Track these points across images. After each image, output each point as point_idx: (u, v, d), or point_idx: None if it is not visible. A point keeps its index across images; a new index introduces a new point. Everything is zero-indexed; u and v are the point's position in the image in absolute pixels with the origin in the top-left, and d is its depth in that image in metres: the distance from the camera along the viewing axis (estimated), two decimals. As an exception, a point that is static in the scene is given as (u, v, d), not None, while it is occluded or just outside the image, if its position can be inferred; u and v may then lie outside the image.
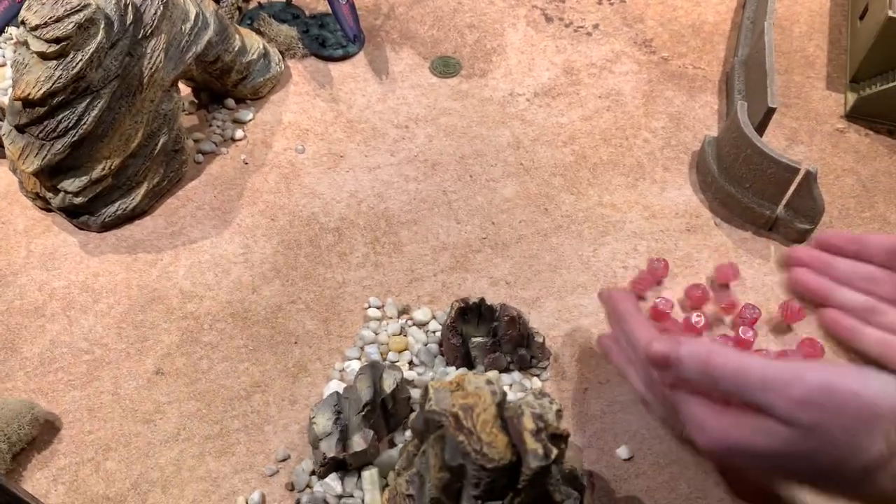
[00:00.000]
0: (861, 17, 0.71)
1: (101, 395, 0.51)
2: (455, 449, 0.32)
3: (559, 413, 0.35)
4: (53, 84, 0.51)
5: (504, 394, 0.34)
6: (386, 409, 0.47)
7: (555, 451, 0.32)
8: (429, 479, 0.35)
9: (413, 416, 0.39)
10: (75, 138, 0.53)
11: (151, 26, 0.55)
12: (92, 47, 0.52)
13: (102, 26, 0.52)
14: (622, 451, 0.49)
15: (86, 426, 0.50)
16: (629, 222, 0.61)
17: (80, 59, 0.51)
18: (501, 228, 0.60)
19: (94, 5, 0.52)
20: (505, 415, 0.33)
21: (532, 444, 0.31)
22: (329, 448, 0.45)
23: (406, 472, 0.38)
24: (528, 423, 0.32)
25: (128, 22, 0.54)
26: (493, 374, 0.50)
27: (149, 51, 0.56)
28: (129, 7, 0.54)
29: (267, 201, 0.61)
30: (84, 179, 0.56)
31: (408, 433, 0.48)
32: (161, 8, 0.56)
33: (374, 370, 0.47)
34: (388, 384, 0.46)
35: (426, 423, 0.35)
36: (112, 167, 0.57)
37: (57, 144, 0.54)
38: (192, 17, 0.59)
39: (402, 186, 0.63)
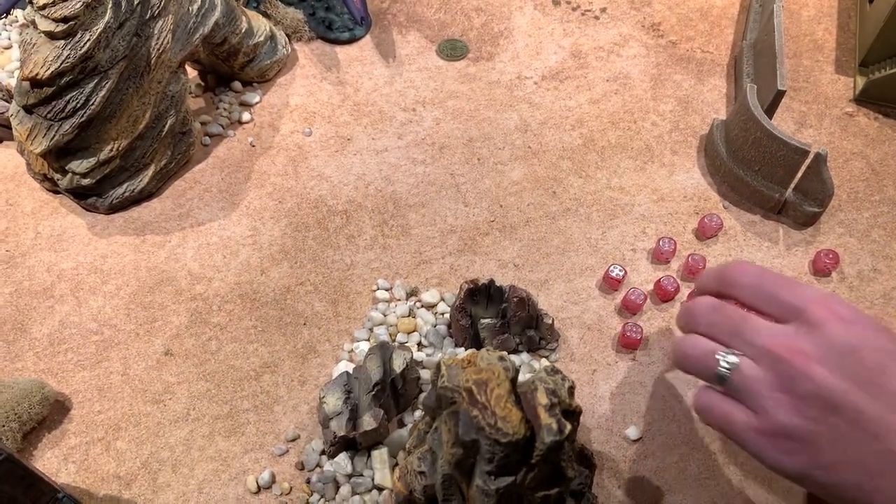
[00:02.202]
0: (871, 1, 0.71)
1: (110, 376, 0.51)
2: (469, 424, 0.32)
3: (571, 389, 0.35)
4: (61, 64, 0.51)
5: (517, 369, 0.34)
6: (395, 390, 0.47)
7: (568, 427, 0.32)
8: (441, 456, 0.35)
9: (424, 394, 0.39)
10: (83, 119, 0.53)
11: (159, 7, 0.55)
12: (100, 27, 0.52)
13: (110, 6, 0.52)
14: (631, 432, 0.49)
15: (96, 406, 0.50)
16: (637, 205, 0.61)
17: (88, 39, 0.51)
18: (509, 211, 0.60)
19: (101, -16, 0.51)
20: (518, 390, 0.33)
21: (546, 419, 0.31)
22: (339, 427, 0.45)
23: (417, 450, 0.38)
24: (542, 399, 0.32)
25: (135, 2, 0.54)
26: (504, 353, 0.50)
27: (156, 31, 0.55)
28: (137, -13, 0.54)
29: (274, 184, 0.61)
30: (92, 161, 0.56)
31: (417, 413, 0.48)
32: (168, -12, 0.55)
33: (383, 350, 0.47)
34: (398, 364, 0.46)
35: (439, 400, 0.35)
36: (120, 148, 0.56)
37: (65, 125, 0.53)
38: (200, -3, 0.59)
39: (409, 169, 0.63)
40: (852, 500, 0.35)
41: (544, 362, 0.52)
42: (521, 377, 0.49)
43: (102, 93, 0.53)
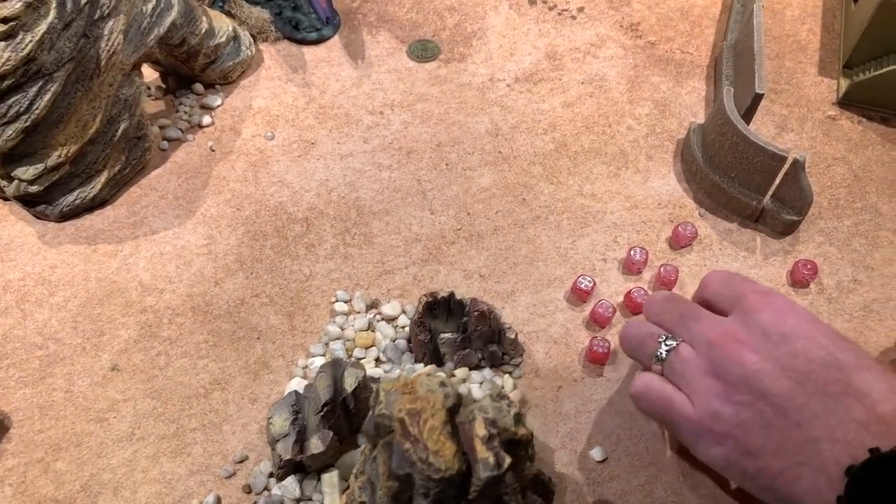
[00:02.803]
0: (855, 1, 0.69)
1: (53, 393, 0.49)
2: (401, 457, 0.30)
3: (518, 417, 0.32)
4: (2, 67, 0.49)
5: (459, 396, 0.32)
6: (347, 409, 0.45)
7: (508, 460, 0.29)
8: (379, 487, 0.33)
9: (366, 420, 0.37)
10: (27, 124, 0.51)
11: (109, 6, 0.53)
12: (42, 28, 0.49)
13: (54, 6, 0.50)
14: (596, 453, 0.47)
15: (36, 425, 0.48)
16: (610, 213, 0.58)
17: (30, 41, 0.49)
18: (477, 219, 0.58)
19: (44, -17, 0.49)
20: (458, 420, 0.31)
21: (483, 452, 0.29)
22: (286, 450, 0.42)
23: (359, 478, 0.36)
24: (480, 430, 0.30)
25: (83, 1, 0.52)
26: (461, 371, 0.48)
27: (106, 32, 0.53)
28: (84, -14, 0.52)
29: (233, 190, 0.59)
30: (39, 167, 0.54)
31: (370, 434, 0.46)
32: (119, -13, 0.53)
33: (335, 368, 0.45)
34: (350, 383, 0.44)
35: (377, 428, 0.33)
36: (69, 154, 0.54)
37: (8, 130, 0.51)
38: (154, -3, 0.57)
39: (374, 175, 0.60)
40: (775, 488, 0.36)
41: (507, 378, 0.49)
42: (481, 394, 0.47)
43: (47, 97, 0.51)
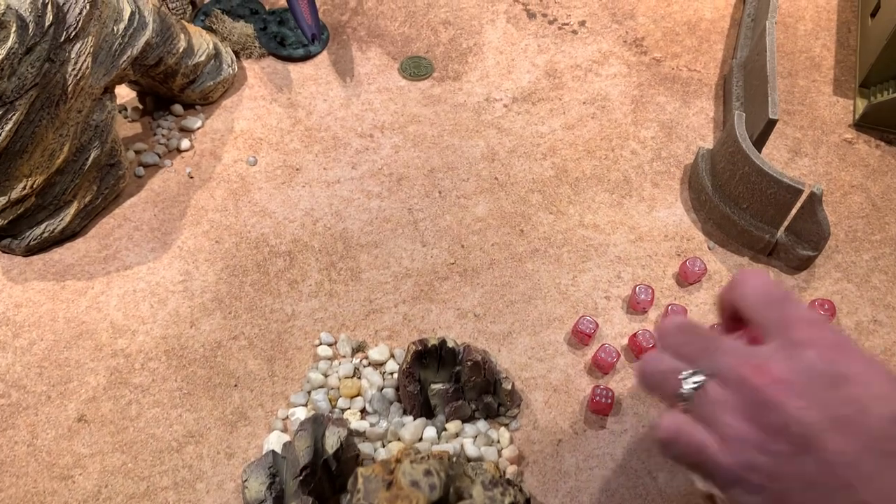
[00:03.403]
0: (873, 15, 0.65)
1: (14, 447, 0.45)
2: (380, 563, 0.26)
3: (513, 507, 0.29)
4: (-42, 95, 0.45)
5: (447, 484, 0.29)
6: (329, 471, 0.41)
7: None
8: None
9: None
10: (-13, 155, 0.48)
11: (76, 28, 0.49)
12: (2, 53, 0.46)
13: (14, 29, 0.46)
14: (598, 515, 0.43)
15: (-5, 483, 0.44)
16: (613, 245, 0.55)
17: (-12, 67, 0.45)
18: (472, 252, 0.54)
19: (3, 5, 0.46)
20: (444, 515, 0.27)
21: (472, 562, 0.26)
22: (261, 518, 0.39)
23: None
24: (469, 535, 0.26)
25: (46, 23, 0.48)
26: (453, 424, 0.44)
27: (73, 56, 0.50)
28: (49, 7, 0.48)
29: (212, 220, 0.56)
30: (2, 200, 0.50)
31: (353, 498, 0.42)
32: (87, 7, 0.49)
33: (315, 426, 0.41)
34: (331, 443, 0.40)
35: (355, 517, 0.29)
36: (34, 185, 0.51)
37: (-34, 162, 0.48)
38: (127, 16, 0.53)
39: (363, 204, 0.57)
40: None
41: (503, 431, 0.46)
42: (476, 451, 0.44)
43: (9, 126, 0.47)
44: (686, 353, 0.37)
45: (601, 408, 0.46)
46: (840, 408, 0.31)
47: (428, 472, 0.28)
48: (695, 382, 0.35)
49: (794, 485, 0.32)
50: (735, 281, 0.38)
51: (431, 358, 0.45)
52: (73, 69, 0.50)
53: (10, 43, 0.46)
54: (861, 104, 0.63)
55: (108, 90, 0.54)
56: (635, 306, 0.51)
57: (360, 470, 0.29)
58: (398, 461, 0.30)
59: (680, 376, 0.36)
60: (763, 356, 0.34)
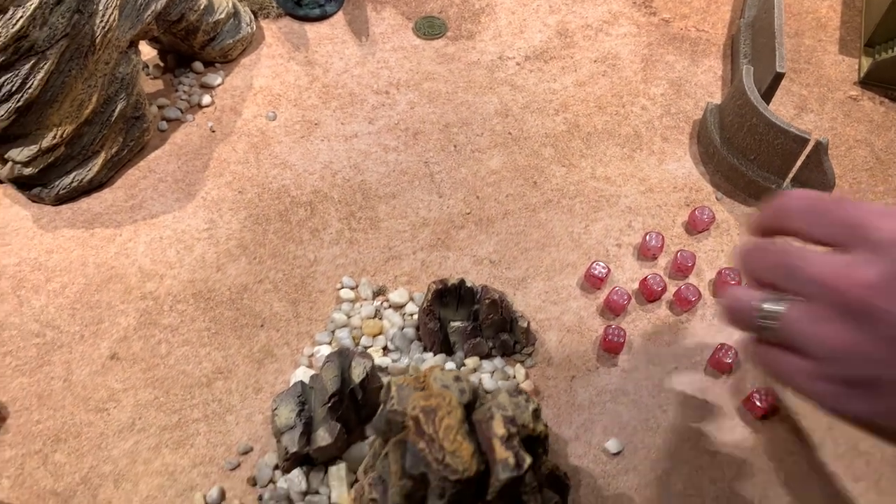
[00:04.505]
0: (878, -25, 0.66)
1: (51, 382, 0.47)
2: (416, 457, 0.28)
3: (536, 413, 0.31)
4: (-8, 43, 0.47)
5: (475, 392, 0.31)
6: (356, 400, 0.43)
7: (528, 460, 0.28)
8: (391, 485, 0.31)
9: (376, 415, 0.35)
10: (20, 103, 0.49)
11: (103, -20, 0.51)
12: (34, 2, 0.47)
13: (46, -21, 0.48)
14: (611, 445, 0.45)
15: (34, 415, 0.46)
16: (624, 196, 0.57)
17: (21, 16, 0.47)
18: (487, 203, 0.56)
19: (35, -45, 0.47)
20: (474, 417, 0.29)
21: (502, 452, 0.27)
22: (291, 443, 0.41)
23: (369, 474, 0.34)
24: (499, 429, 0.28)
25: (76, -25, 0.49)
26: (471, 360, 0.46)
27: (101, 8, 0.51)
28: (78, -42, 0.49)
29: (234, 172, 0.57)
30: (33, 148, 0.52)
31: (378, 426, 0.44)
32: (114, -40, 0.51)
33: (342, 358, 0.43)
34: (358, 373, 0.42)
35: (388, 424, 0.31)
36: (64, 135, 0.52)
37: (0, 110, 0.49)
38: (151, -30, 0.54)
39: (380, 157, 0.58)
40: None
41: (519, 368, 0.48)
42: (493, 384, 0.46)
43: (41, 75, 0.49)
44: (765, 275, 0.34)
45: (613, 346, 0.48)
46: None
47: (457, 379, 0.30)
48: (773, 312, 0.33)
49: (892, 386, 0.30)
50: (779, 208, 0.34)
51: (451, 297, 0.47)
52: (101, 21, 0.51)
53: (42, -8, 0.47)
54: (866, 62, 0.64)
55: (133, 44, 0.56)
56: (646, 252, 0.53)
57: (392, 379, 0.31)
58: (427, 375, 0.32)
59: (757, 306, 0.33)
60: (847, 263, 0.31)
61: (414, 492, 0.30)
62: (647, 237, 0.53)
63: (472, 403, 0.30)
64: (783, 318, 0.32)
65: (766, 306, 0.33)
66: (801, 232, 0.33)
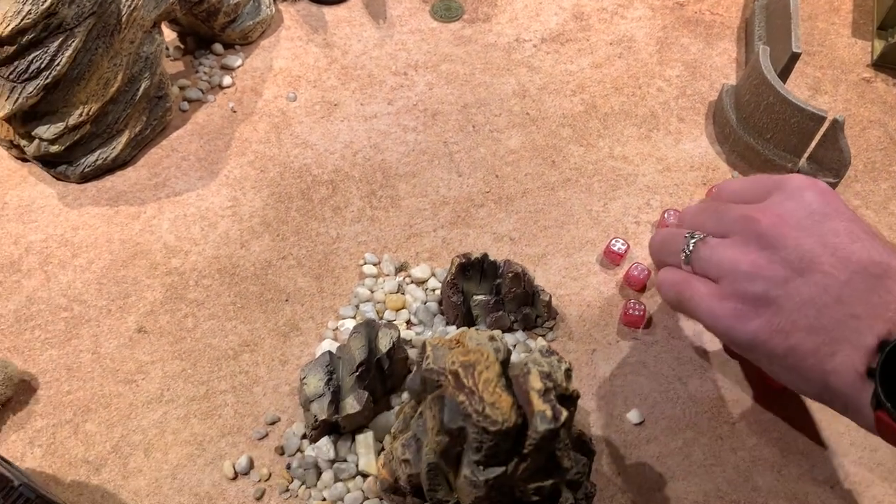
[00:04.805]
0: (891, -41, 0.67)
1: (80, 354, 0.48)
2: (455, 410, 0.29)
3: (568, 372, 0.32)
4: (22, 20, 0.47)
5: (509, 351, 0.31)
6: (382, 370, 0.44)
7: (564, 414, 0.29)
8: (426, 443, 0.32)
9: (410, 376, 0.36)
10: (48, 80, 0.50)
11: (129, -41, 0.51)
12: (63, -20, 0.48)
13: (74, -43, 0.48)
14: (633, 416, 0.46)
15: (64, 386, 0.47)
16: (642, 175, 0.57)
17: (51, -7, 0.47)
18: (506, 182, 0.57)
19: (64, -67, 0.48)
20: (510, 374, 0.30)
21: (540, 405, 0.28)
22: (321, 410, 0.42)
23: (402, 435, 0.35)
24: (536, 383, 0.29)
25: (103, -46, 0.50)
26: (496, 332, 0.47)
27: (127, -14, 0.52)
28: (104, -63, 0.50)
29: (256, 152, 0.58)
30: (60, 126, 0.52)
31: (405, 395, 0.45)
32: (139, -61, 0.51)
33: (369, 328, 0.44)
34: (384, 343, 0.43)
35: (423, 383, 0.32)
36: (90, 113, 0.53)
37: (29, 87, 0.50)
38: (174, -49, 0.55)
39: (400, 137, 0.59)
40: (802, 368, 0.35)
41: (541, 341, 0.49)
42: (516, 357, 0.46)
43: (69, 52, 0.50)
44: (699, 221, 0.41)
45: (633, 320, 0.49)
46: (831, 237, 0.35)
47: (492, 338, 0.31)
48: (696, 237, 0.39)
49: (789, 305, 0.35)
50: (718, 189, 0.43)
51: (474, 270, 0.48)
52: (127, 0, 0.52)
53: (70, -30, 0.48)
54: (879, 45, 0.65)
55: (157, 24, 0.56)
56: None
57: (428, 340, 0.32)
58: (462, 335, 0.32)
59: (685, 235, 0.40)
60: (765, 204, 0.38)
61: (450, 448, 0.31)
62: (666, 215, 0.53)
63: (508, 361, 0.31)
64: (704, 242, 0.39)
65: (693, 235, 0.40)
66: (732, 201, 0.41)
